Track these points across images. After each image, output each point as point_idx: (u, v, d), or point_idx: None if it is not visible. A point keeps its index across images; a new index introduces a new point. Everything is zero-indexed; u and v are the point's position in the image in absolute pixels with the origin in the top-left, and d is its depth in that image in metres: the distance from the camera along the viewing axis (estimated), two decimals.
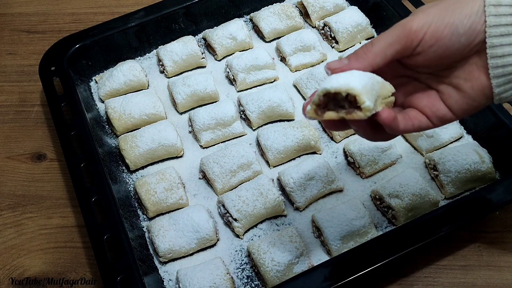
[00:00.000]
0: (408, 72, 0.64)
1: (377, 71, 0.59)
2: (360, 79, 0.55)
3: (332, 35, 1.14)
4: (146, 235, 0.90)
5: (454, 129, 0.98)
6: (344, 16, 1.13)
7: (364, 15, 1.14)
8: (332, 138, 1.01)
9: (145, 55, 1.17)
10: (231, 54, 1.15)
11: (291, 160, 0.99)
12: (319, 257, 0.86)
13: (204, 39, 1.17)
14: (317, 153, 0.99)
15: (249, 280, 0.85)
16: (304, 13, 1.21)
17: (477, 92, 0.59)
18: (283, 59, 1.14)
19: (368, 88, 0.54)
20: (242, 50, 1.15)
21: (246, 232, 0.90)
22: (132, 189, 0.96)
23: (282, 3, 1.22)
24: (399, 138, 1.00)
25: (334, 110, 0.56)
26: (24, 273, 0.89)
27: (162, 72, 1.14)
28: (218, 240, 0.89)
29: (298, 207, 0.91)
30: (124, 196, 0.93)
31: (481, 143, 0.94)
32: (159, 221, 0.88)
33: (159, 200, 0.91)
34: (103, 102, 1.08)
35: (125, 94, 1.06)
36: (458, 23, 0.55)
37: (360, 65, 0.58)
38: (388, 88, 0.61)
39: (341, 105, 0.55)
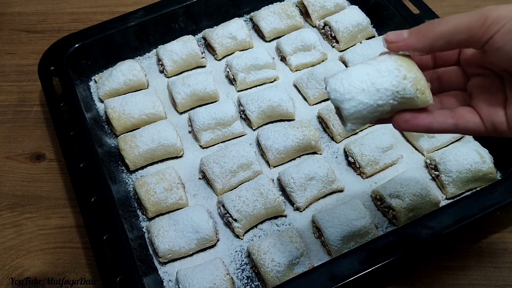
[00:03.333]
0: (489, 65, 0.57)
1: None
2: (365, 97, 0.52)
3: (333, 35, 1.13)
4: (146, 235, 0.90)
5: None
6: (345, 15, 1.12)
7: (364, 15, 1.13)
8: (332, 138, 1.01)
9: (145, 54, 1.17)
10: (231, 54, 1.14)
11: (291, 160, 0.99)
12: (320, 258, 0.86)
13: (204, 38, 1.17)
14: (317, 153, 0.99)
15: (249, 281, 0.85)
16: (305, 13, 1.20)
17: None
18: (283, 59, 1.14)
19: (362, 113, 0.53)
20: (242, 50, 1.15)
21: (246, 232, 0.90)
22: (131, 189, 0.96)
23: (282, 2, 1.22)
24: (400, 138, 1.00)
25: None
26: (23, 273, 0.89)
27: (161, 71, 1.14)
28: (218, 240, 0.89)
29: (298, 207, 0.91)
30: (124, 196, 0.92)
31: (482, 143, 0.94)
32: (158, 222, 0.88)
33: (159, 200, 0.90)
34: (102, 102, 1.08)
35: (125, 94, 1.06)
36: None
37: (419, 44, 0.53)
38: (419, 101, 0.54)
39: None
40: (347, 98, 0.53)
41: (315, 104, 1.06)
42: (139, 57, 1.16)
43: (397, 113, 0.55)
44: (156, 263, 0.87)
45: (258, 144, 0.99)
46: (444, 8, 1.22)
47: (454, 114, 0.55)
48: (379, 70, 0.53)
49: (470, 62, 0.60)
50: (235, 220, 0.87)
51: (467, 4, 1.24)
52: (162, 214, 0.92)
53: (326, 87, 0.55)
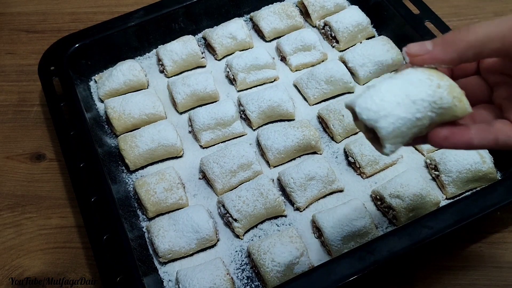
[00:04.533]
0: None
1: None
2: (402, 111, 0.47)
3: (333, 35, 1.13)
4: (146, 235, 0.90)
5: None
6: (345, 15, 1.12)
7: (364, 15, 1.13)
8: (332, 138, 1.01)
9: (145, 54, 1.17)
10: (231, 54, 1.14)
11: (291, 160, 0.99)
12: (320, 258, 0.86)
13: (204, 38, 1.17)
14: (317, 153, 0.99)
15: (249, 281, 0.85)
16: (305, 13, 1.20)
17: None
18: (283, 59, 1.14)
19: (401, 129, 0.48)
20: (242, 50, 1.15)
21: (246, 232, 0.90)
22: (131, 189, 0.96)
23: (282, 2, 1.22)
24: None
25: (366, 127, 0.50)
26: (23, 273, 0.89)
27: (161, 71, 1.14)
28: (218, 240, 0.89)
29: (298, 207, 0.91)
30: (124, 196, 0.92)
31: None
32: (158, 222, 0.88)
33: (159, 200, 0.90)
34: (102, 101, 1.08)
35: (125, 94, 1.06)
36: None
37: (446, 55, 0.49)
38: (458, 110, 0.50)
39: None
40: (382, 115, 0.47)
41: (315, 104, 1.06)
42: (139, 57, 1.16)
43: (434, 130, 0.51)
44: (156, 263, 0.87)
45: (258, 144, 0.99)
46: (444, 9, 1.22)
47: (492, 128, 0.51)
48: (410, 82, 0.49)
49: (491, 70, 0.56)
50: (235, 220, 0.87)
51: (467, 5, 1.24)
52: (162, 214, 0.92)
53: (354, 109, 0.49)
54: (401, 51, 1.08)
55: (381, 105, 0.48)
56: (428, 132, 0.51)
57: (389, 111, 0.47)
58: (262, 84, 1.10)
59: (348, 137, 1.01)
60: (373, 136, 0.50)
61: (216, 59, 1.15)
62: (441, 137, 0.50)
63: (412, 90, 0.48)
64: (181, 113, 1.07)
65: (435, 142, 0.51)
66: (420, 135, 0.51)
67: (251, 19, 1.21)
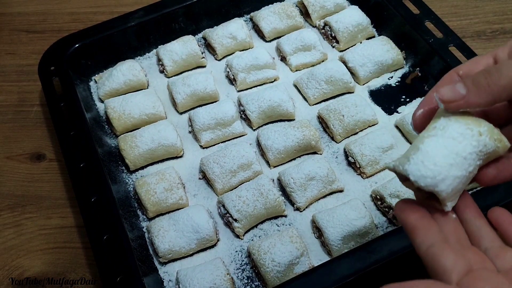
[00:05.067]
0: None
1: None
2: (456, 170, 0.48)
3: (333, 35, 1.13)
4: (146, 235, 0.90)
5: None
6: (345, 15, 1.12)
7: (364, 15, 1.13)
8: (332, 138, 1.01)
9: (145, 54, 1.17)
10: (231, 54, 1.14)
11: (291, 160, 0.99)
12: (320, 258, 0.86)
13: (204, 38, 1.17)
14: (317, 153, 0.99)
15: (249, 281, 0.85)
16: (305, 13, 1.20)
17: None
18: (283, 59, 1.14)
19: (458, 187, 0.49)
20: (242, 50, 1.15)
21: (246, 232, 0.90)
22: (131, 189, 0.96)
23: (282, 2, 1.22)
24: (400, 138, 1.00)
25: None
26: (23, 273, 0.89)
27: (162, 71, 1.14)
28: (218, 240, 0.89)
29: (298, 207, 0.91)
30: (124, 196, 0.92)
31: None
32: (159, 222, 0.88)
33: (159, 200, 0.90)
34: (102, 102, 1.08)
35: (125, 94, 1.06)
36: None
37: (481, 100, 0.49)
38: (500, 150, 0.51)
39: None
40: (440, 180, 0.48)
41: (315, 104, 1.06)
42: (139, 57, 1.16)
43: (481, 173, 0.52)
44: (156, 263, 0.87)
45: (258, 144, 0.99)
46: (444, 8, 1.22)
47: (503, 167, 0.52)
48: (453, 137, 0.49)
49: None
50: (235, 220, 0.87)
51: (466, 5, 1.24)
52: (162, 214, 0.92)
53: (408, 177, 0.50)
54: (401, 51, 1.09)
55: (435, 170, 0.48)
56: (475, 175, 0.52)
57: (446, 175, 0.48)
58: (262, 84, 1.10)
59: (348, 137, 1.01)
60: (429, 196, 0.51)
61: (216, 59, 1.15)
62: (490, 178, 0.52)
63: (458, 146, 0.49)
64: (181, 113, 1.07)
65: (485, 183, 0.52)
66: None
67: (251, 19, 1.21)
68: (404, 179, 0.52)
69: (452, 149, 0.49)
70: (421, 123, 0.55)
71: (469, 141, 0.49)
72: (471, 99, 0.49)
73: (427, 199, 0.52)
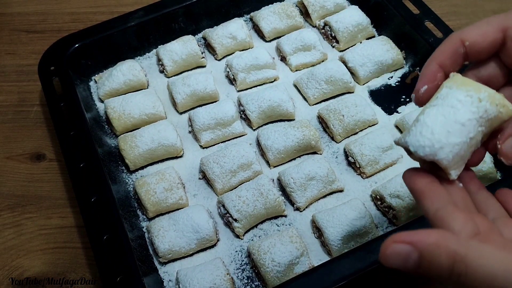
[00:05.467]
0: None
1: None
2: (455, 137, 0.48)
3: (333, 35, 1.13)
4: (146, 235, 0.90)
5: None
6: (345, 15, 1.12)
7: (364, 15, 1.13)
8: (332, 138, 1.01)
9: (145, 54, 1.17)
10: (231, 54, 1.14)
11: (291, 160, 0.99)
12: (320, 258, 0.86)
13: (204, 38, 1.17)
14: (317, 153, 0.99)
15: (249, 281, 0.85)
16: (305, 12, 1.20)
17: None
18: (283, 59, 1.14)
19: (460, 155, 0.49)
20: (242, 50, 1.15)
21: (246, 232, 0.90)
22: (131, 189, 0.96)
23: (282, 2, 1.22)
24: None
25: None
26: (23, 273, 0.89)
27: (161, 71, 1.14)
28: (218, 240, 0.89)
29: (298, 207, 0.91)
30: (124, 196, 0.92)
31: None
32: (158, 222, 0.88)
33: (159, 200, 0.90)
34: (102, 102, 1.08)
35: (125, 94, 1.06)
36: None
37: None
38: (504, 115, 0.51)
39: None
40: (438, 148, 0.48)
41: (315, 104, 1.06)
42: (139, 57, 1.16)
43: (503, 144, 0.52)
44: (156, 263, 0.87)
45: (258, 144, 0.99)
46: (444, 8, 1.22)
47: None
48: (452, 105, 0.49)
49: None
50: (235, 220, 0.87)
51: (466, 4, 1.24)
52: (162, 214, 0.92)
53: (408, 149, 0.51)
54: (401, 51, 1.09)
55: (433, 138, 0.49)
56: (485, 143, 0.52)
57: (444, 142, 0.48)
58: (262, 84, 1.10)
59: (348, 137, 1.01)
60: (433, 166, 0.51)
61: (216, 59, 1.15)
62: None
63: (457, 113, 0.49)
64: (181, 113, 1.07)
65: (506, 156, 0.52)
66: (477, 148, 0.52)
67: (251, 19, 1.21)
68: (409, 152, 0.52)
69: (450, 117, 0.49)
70: (425, 99, 0.55)
71: (468, 108, 0.49)
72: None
73: (433, 170, 0.52)
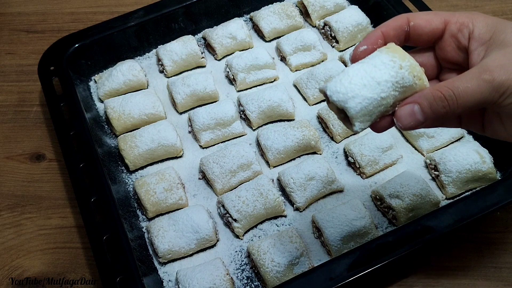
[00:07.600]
0: None
1: None
2: (368, 91, 0.53)
3: (333, 35, 1.13)
4: (146, 235, 0.90)
5: (455, 129, 0.97)
6: (345, 15, 1.12)
7: (364, 15, 1.13)
8: (332, 138, 1.01)
9: (145, 54, 1.17)
10: (231, 54, 1.14)
11: (291, 160, 0.99)
12: (319, 258, 0.86)
13: (204, 38, 1.17)
14: (317, 153, 0.99)
15: (249, 281, 0.85)
16: (304, 13, 1.20)
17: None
18: (283, 59, 1.14)
19: (368, 108, 0.53)
20: (242, 50, 1.15)
21: (246, 232, 0.90)
22: (131, 189, 0.96)
23: (282, 2, 1.22)
24: (400, 138, 1.00)
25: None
26: (23, 273, 0.89)
27: (161, 71, 1.14)
28: (217, 240, 0.89)
29: (298, 207, 0.91)
30: (124, 196, 0.92)
31: (482, 143, 0.94)
32: (158, 222, 0.88)
33: (159, 200, 0.90)
34: (102, 102, 1.08)
35: (125, 94, 1.06)
36: None
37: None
38: (418, 87, 0.56)
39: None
40: (350, 96, 0.53)
41: (315, 104, 1.06)
42: (139, 57, 1.16)
43: (399, 107, 0.56)
44: (156, 263, 0.87)
45: (258, 144, 0.99)
46: (443, 8, 1.22)
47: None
48: (375, 65, 0.54)
49: (448, 61, 0.62)
50: (235, 220, 0.87)
51: (466, 4, 1.24)
52: (162, 214, 0.92)
53: (326, 93, 0.55)
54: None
55: (349, 87, 0.53)
56: (394, 111, 0.56)
57: (356, 93, 0.53)
58: (262, 84, 1.10)
59: (348, 137, 1.01)
60: (344, 116, 0.55)
61: (216, 59, 1.15)
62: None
63: (377, 72, 0.53)
64: (181, 113, 1.07)
65: (399, 118, 0.56)
66: (386, 114, 0.56)
67: (251, 19, 1.21)
68: (328, 100, 0.56)
69: (370, 73, 0.53)
70: (360, 58, 0.58)
71: (388, 70, 0.53)
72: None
73: (344, 120, 0.56)
